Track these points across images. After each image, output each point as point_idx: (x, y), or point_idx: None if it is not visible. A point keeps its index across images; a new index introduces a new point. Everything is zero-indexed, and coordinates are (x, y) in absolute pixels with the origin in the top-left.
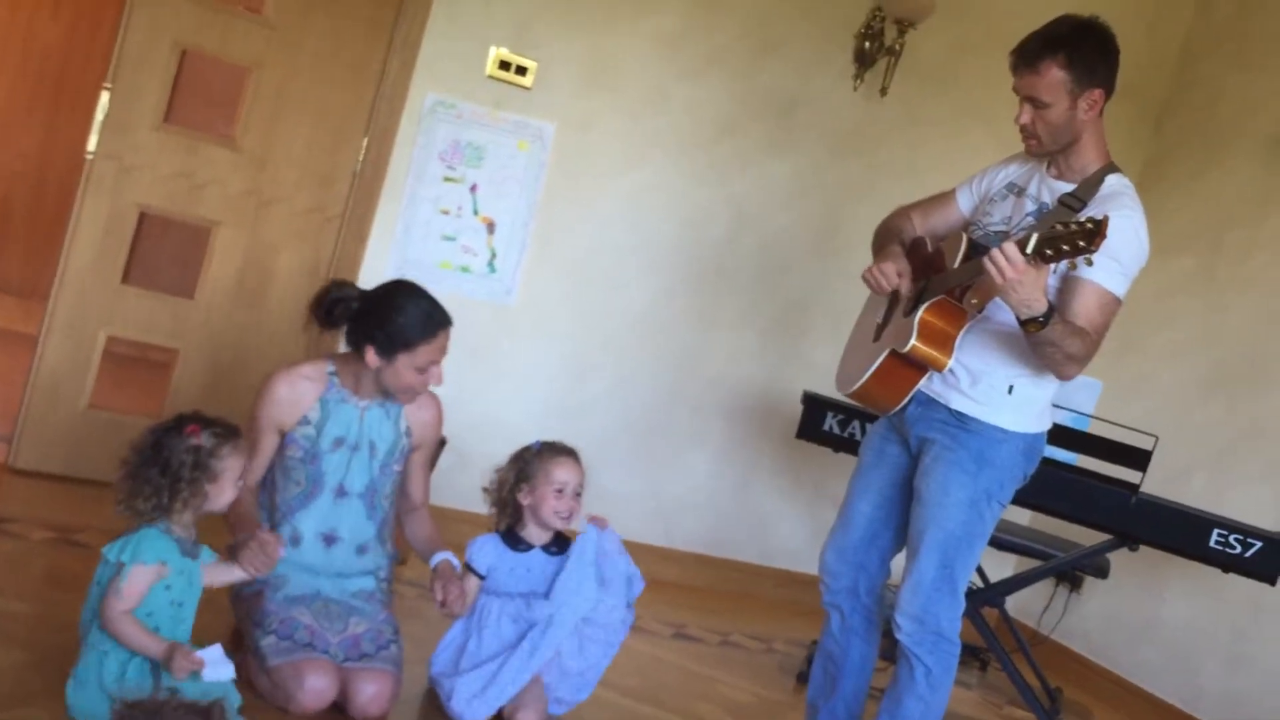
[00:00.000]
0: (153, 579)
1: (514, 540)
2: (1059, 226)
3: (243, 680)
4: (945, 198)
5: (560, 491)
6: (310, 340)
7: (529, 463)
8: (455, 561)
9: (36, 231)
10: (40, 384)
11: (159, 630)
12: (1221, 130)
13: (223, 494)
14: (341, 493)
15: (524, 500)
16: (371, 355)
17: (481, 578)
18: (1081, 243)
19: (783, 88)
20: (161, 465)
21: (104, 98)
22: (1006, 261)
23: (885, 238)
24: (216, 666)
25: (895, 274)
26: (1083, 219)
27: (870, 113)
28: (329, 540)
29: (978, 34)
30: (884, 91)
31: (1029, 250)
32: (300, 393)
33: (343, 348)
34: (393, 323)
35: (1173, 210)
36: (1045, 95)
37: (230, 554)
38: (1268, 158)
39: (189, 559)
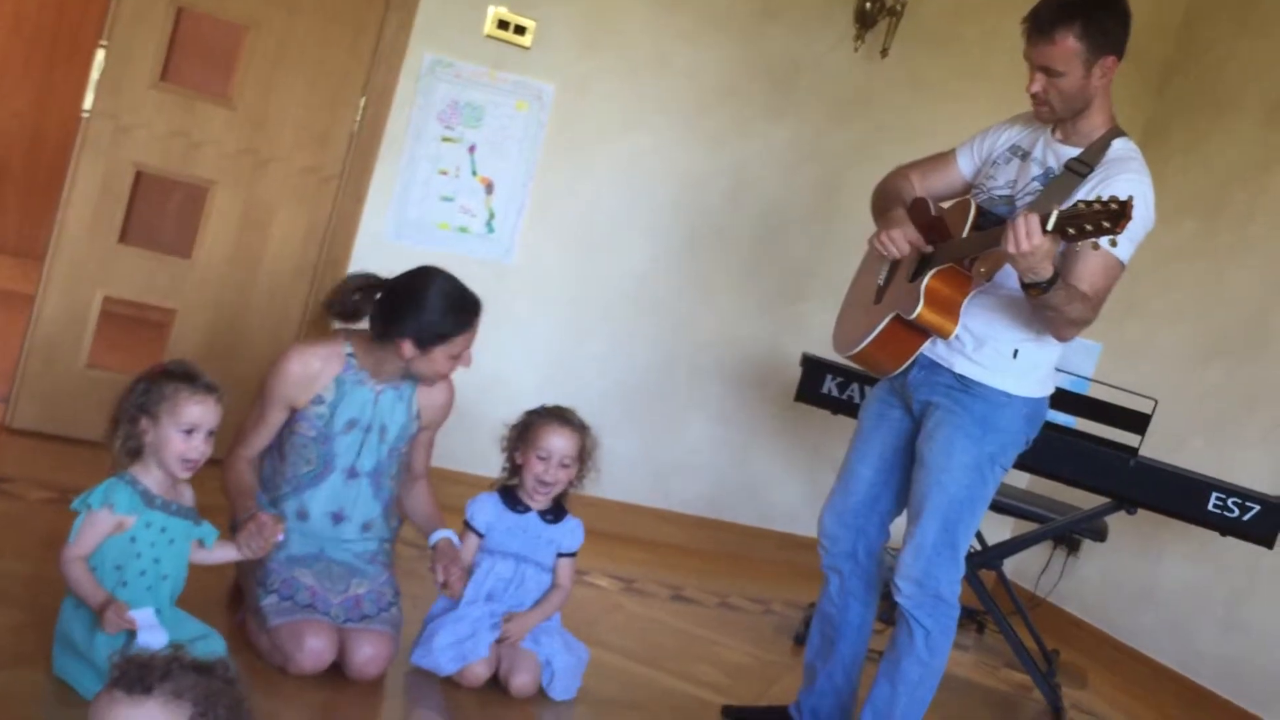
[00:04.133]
0: (109, 528)
1: (512, 500)
2: (1081, 205)
3: (243, 639)
4: (945, 158)
5: (544, 458)
6: (311, 309)
7: (529, 425)
8: (456, 540)
9: (32, 191)
10: (37, 344)
11: (126, 585)
12: (1224, 94)
13: (166, 440)
14: (352, 474)
15: (518, 460)
16: (408, 348)
17: (480, 535)
18: (1106, 223)
19: (783, 50)
20: (119, 408)
21: (100, 56)
22: (1026, 234)
23: (887, 199)
24: (148, 631)
25: (906, 242)
26: (1106, 198)
27: (871, 74)
28: (336, 518)
29: None
30: (884, 53)
31: (1050, 226)
32: (315, 371)
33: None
34: (428, 317)
35: (1174, 174)
36: (1060, 65)
37: (232, 532)
38: (1270, 123)
39: (161, 513)
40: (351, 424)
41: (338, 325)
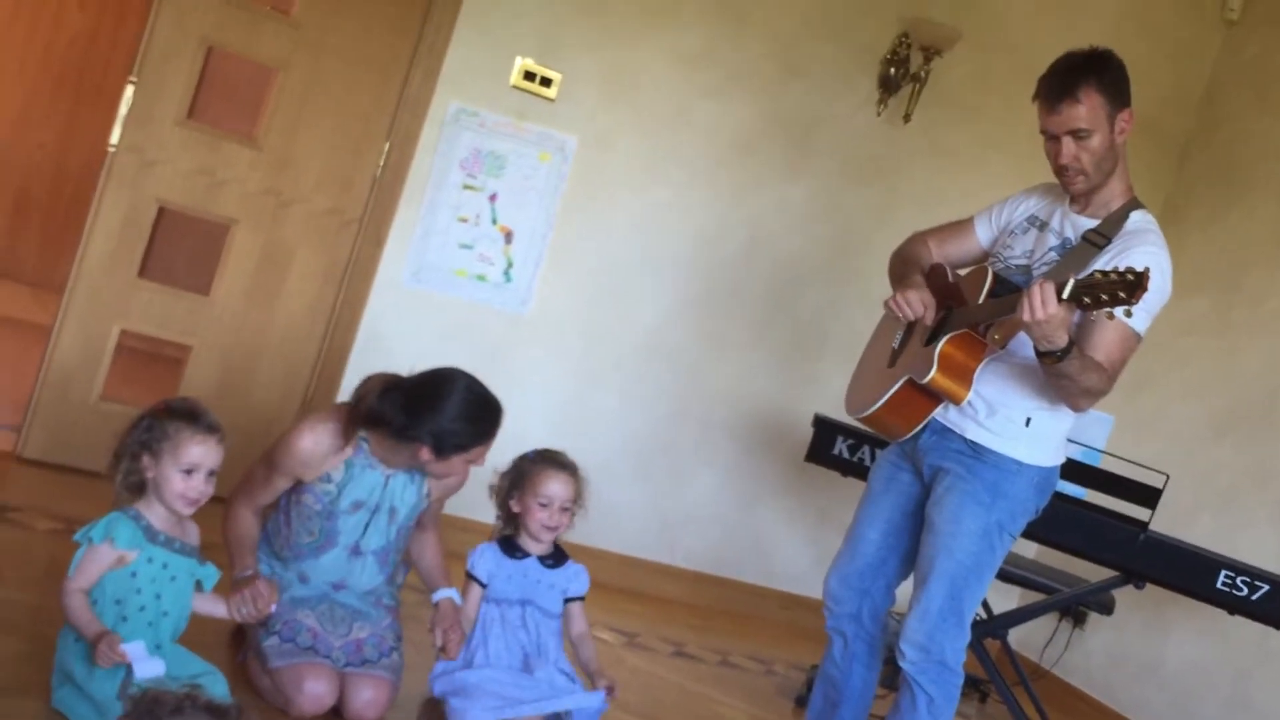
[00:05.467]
0: (110, 562)
1: (511, 548)
2: (1098, 274)
3: (244, 678)
4: (963, 226)
5: (545, 505)
6: (326, 352)
7: (523, 471)
8: (458, 599)
9: (53, 222)
10: (52, 375)
11: (127, 620)
12: (1243, 172)
13: (166, 479)
14: (356, 551)
15: (515, 508)
16: (426, 453)
17: (483, 586)
18: (1122, 294)
19: (805, 110)
20: (122, 444)
21: (128, 91)
22: (1040, 303)
23: (905, 265)
24: (142, 663)
25: (921, 305)
26: (1123, 268)
27: (892, 139)
28: (337, 586)
29: (1002, 64)
30: (907, 118)
31: (1065, 295)
32: (325, 450)
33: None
34: (448, 426)
35: (1191, 249)
36: (1088, 123)
37: (234, 587)
38: None
39: (164, 549)
40: (358, 505)
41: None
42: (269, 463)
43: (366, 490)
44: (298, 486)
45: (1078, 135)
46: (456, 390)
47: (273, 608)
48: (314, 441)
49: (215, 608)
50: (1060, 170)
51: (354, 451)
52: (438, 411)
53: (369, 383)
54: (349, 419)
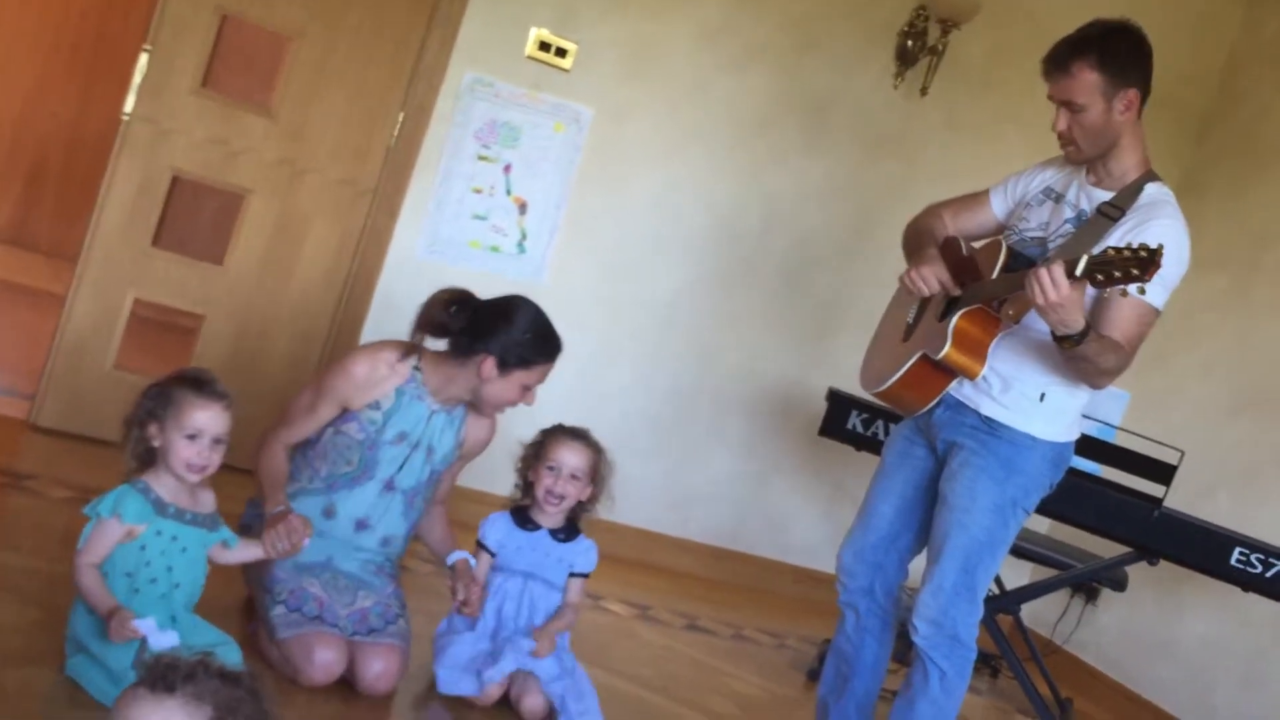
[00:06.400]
0: (119, 536)
1: (523, 519)
2: (1111, 251)
3: (253, 649)
4: (978, 198)
5: (553, 470)
6: (340, 322)
7: (543, 441)
8: (473, 561)
9: (68, 191)
10: (66, 343)
11: (139, 592)
12: (1263, 148)
13: (171, 445)
14: (389, 487)
15: (531, 477)
16: (489, 366)
17: (493, 554)
18: (1135, 270)
19: (822, 84)
20: (131, 414)
21: (143, 60)
22: (1051, 285)
23: (919, 238)
24: (155, 635)
25: (935, 281)
26: (1136, 245)
27: (909, 113)
28: (360, 525)
29: (1021, 37)
30: (924, 91)
31: (1078, 272)
32: (379, 377)
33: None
34: (518, 338)
35: (1210, 226)
36: (1079, 97)
37: (243, 530)
38: None
39: (174, 521)
40: (401, 437)
41: (420, 334)
42: (317, 389)
43: (411, 422)
44: (342, 415)
45: (1071, 107)
46: (527, 308)
47: (306, 541)
48: (370, 366)
49: (251, 551)
50: (1058, 137)
51: (406, 380)
52: (509, 323)
53: (440, 295)
54: (415, 327)
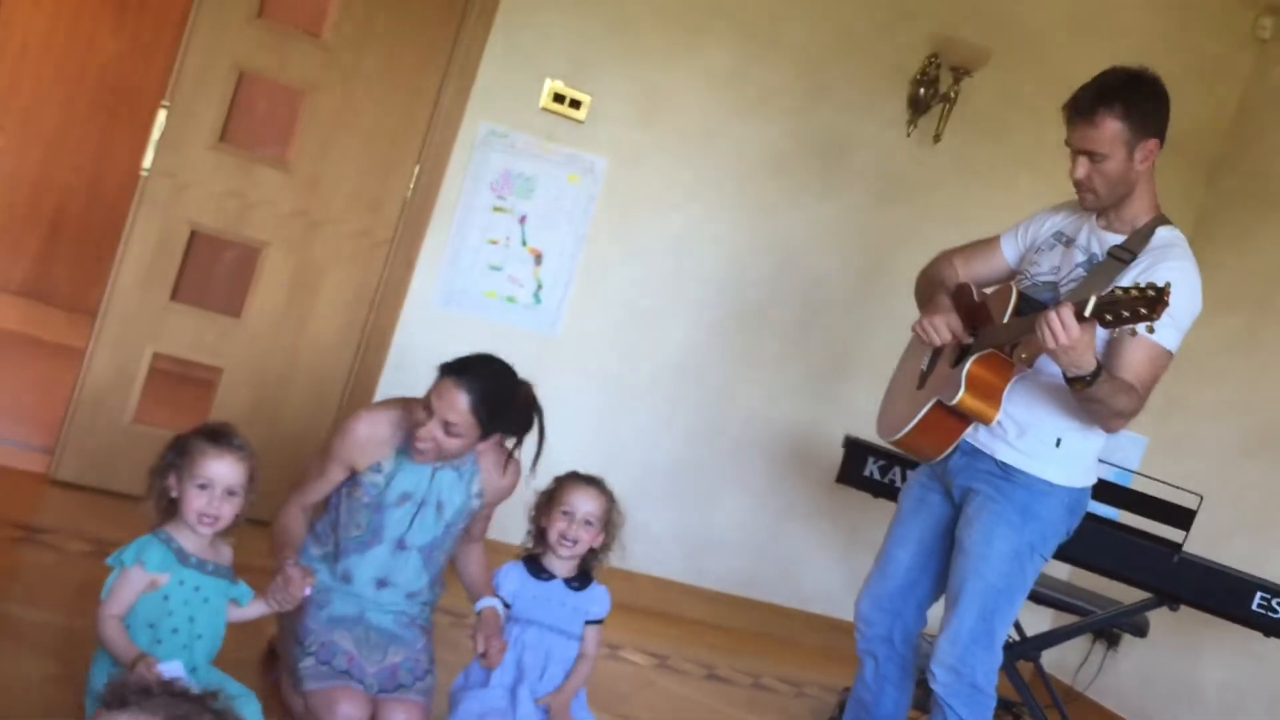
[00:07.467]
0: (142, 586)
1: (536, 568)
2: (1119, 291)
3: (276, 698)
4: (989, 244)
5: (567, 514)
6: (357, 373)
7: (556, 487)
8: (501, 610)
9: (86, 245)
10: (85, 397)
11: (161, 643)
12: (1274, 191)
13: (185, 496)
14: (401, 546)
15: (543, 524)
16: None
17: (507, 605)
18: (1143, 309)
19: (835, 130)
20: (155, 465)
21: (161, 116)
22: (1061, 328)
23: (931, 286)
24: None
25: (947, 330)
26: (1144, 284)
27: (922, 159)
28: (380, 584)
29: (1032, 84)
30: (937, 138)
31: (1087, 313)
32: (382, 437)
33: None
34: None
35: (1222, 268)
36: (1103, 147)
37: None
38: None
39: (196, 571)
40: (405, 497)
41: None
42: (324, 452)
43: (413, 482)
44: (352, 478)
45: (1093, 157)
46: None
47: (306, 591)
48: (370, 427)
49: (255, 609)
50: (1074, 184)
51: (404, 440)
52: (524, 413)
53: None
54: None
